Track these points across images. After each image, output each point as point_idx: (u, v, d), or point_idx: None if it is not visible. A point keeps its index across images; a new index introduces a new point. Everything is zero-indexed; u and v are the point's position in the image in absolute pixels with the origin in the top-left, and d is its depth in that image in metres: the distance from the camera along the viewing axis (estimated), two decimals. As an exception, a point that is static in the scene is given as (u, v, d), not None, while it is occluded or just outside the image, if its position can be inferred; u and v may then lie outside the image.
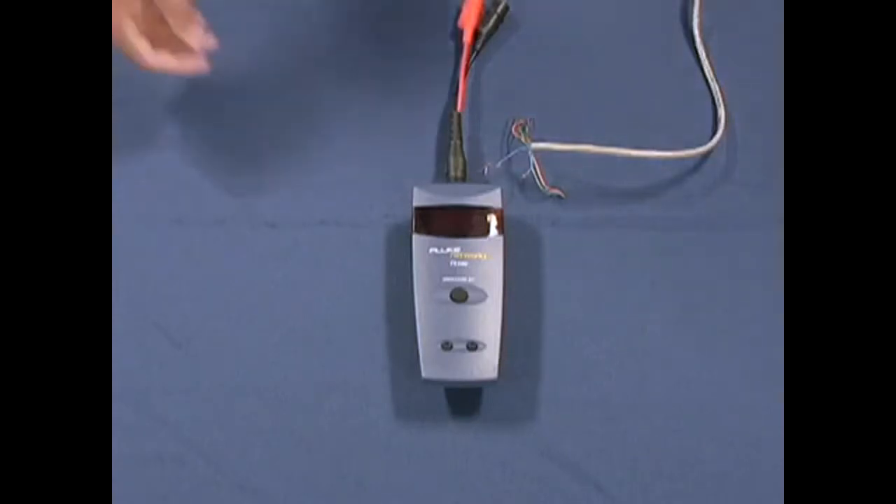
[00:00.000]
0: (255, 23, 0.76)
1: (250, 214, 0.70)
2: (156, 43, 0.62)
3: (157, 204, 0.70)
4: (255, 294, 0.68)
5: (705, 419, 0.65)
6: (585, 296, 0.68)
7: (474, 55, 0.75)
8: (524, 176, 0.70)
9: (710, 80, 0.74)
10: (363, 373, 0.65)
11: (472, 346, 0.63)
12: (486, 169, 0.71)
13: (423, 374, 0.63)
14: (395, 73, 0.75)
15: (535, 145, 0.69)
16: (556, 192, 0.70)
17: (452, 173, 0.70)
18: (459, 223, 0.66)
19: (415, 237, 0.65)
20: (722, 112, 0.73)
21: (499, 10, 0.76)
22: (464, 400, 0.65)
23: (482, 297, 0.64)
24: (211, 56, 0.64)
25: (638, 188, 0.71)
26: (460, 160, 0.70)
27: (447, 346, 0.63)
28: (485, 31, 0.76)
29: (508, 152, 0.71)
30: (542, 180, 0.70)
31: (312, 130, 0.73)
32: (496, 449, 0.64)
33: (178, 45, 0.63)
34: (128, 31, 0.61)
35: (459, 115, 0.72)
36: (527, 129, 0.71)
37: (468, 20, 0.75)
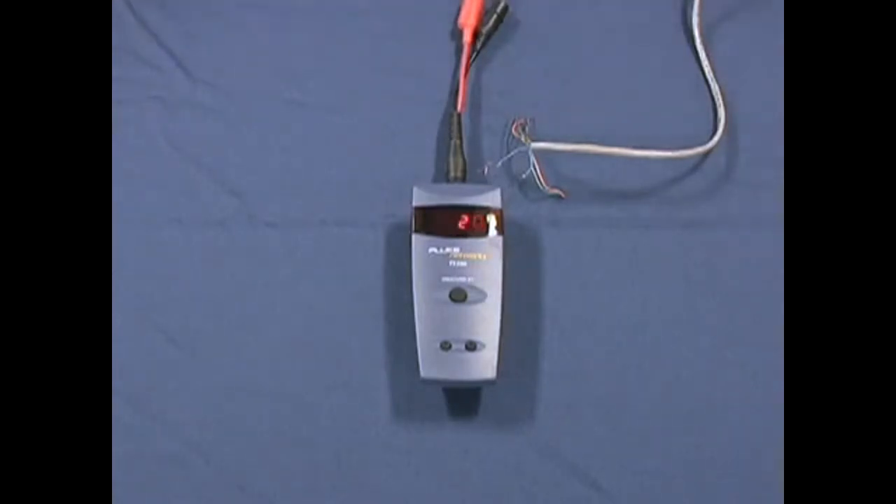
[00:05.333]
0: (256, 22, 0.76)
1: (250, 214, 0.70)
2: None
3: (157, 204, 0.70)
4: (255, 294, 0.68)
5: (705, 419, 0.65)
6: (585, 296, 0.68)
7: (474, 55, 0.75)
8: (524, 176, 0.70)
9: (710, 80, 0.74)
10: (362, 373, 0.65)
11: (471, 346, 0.63)
12: (486, 169, 0.71)
13: (422, 374, 0.63)
14: (394, 72, 0.75)
15: (535, 145, 0.69)
16: (556, 192, 0.70)
17: (452, 173, 0.70)
18: (459, 223, 0.66)
19: (414, 237, 0.65)
20: (722, 112, 0.73)
21: (499, 9, 0.76)
22: (463, 400, 0.65)
23: (481, 297, 0.64)
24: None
25: (638, 188, 0.71)
26: (460, 160, 0.70)
27: (446, 345, 0.63)
28: (485, 30, 0.75)
29: (508, 152, 0.71)
30: (541, 180, 0.70)
31: (312, 130, 0.73)
32: (495, 449, 0.64)
33: None
34: None
35: (459, 115, 0.72)
36: (527, 129, 0.71)
37: (468, 20, 0.75)
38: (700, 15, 0.76)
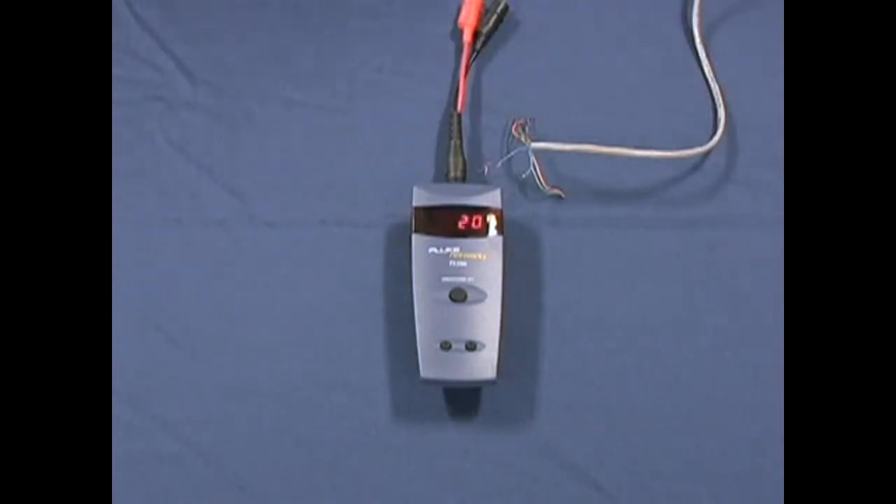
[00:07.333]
0: (256, 22, 0.76)
1: (250, 214, 0.70)
2: None
3: (157, 204, 0.70)
4: (255, 294, 0.68)
5: (705, 419, 0.65)
6: (585, 296, 0.68)
7: (474, 55, 0.75)
8: (524, 176, 0.70)
9: (710, 80, 0.74)
10: (362, 373, 0.65)
11: (471, 346, 0.63)
12: (486, 169, 0.71)
13: (422, 374, 0.63)
14: (394, 72, 0.75)
15: (535, 145, 0.69)
16: (556, 192, 0.70)
17: (452, 173, 0.70)
18: (459, 223, 0.66)
19: (414, 237, 0.65)
20: (722, 112, 0.73)
21: (499, 9, 0.76)
22: (463, 400, 0.65)
23: (481, 297, 0.64)
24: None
25: (638, 188, 0.71)
26: (460, 160, 0.70)
27: (446, 345, 0.63)
28: (485, 30, 0.76)
29: (508, 152, 0.71)
30: (541, 180, 0.70)
31: (312, 130, 0.73)
32: (495, 449, 0.64)
33: None
34: None
35: (459, 115, 0.72)
36: (527, 129, 0.71)
37: (468, 20, 0.75)
38: (700, 15, 0.76)
